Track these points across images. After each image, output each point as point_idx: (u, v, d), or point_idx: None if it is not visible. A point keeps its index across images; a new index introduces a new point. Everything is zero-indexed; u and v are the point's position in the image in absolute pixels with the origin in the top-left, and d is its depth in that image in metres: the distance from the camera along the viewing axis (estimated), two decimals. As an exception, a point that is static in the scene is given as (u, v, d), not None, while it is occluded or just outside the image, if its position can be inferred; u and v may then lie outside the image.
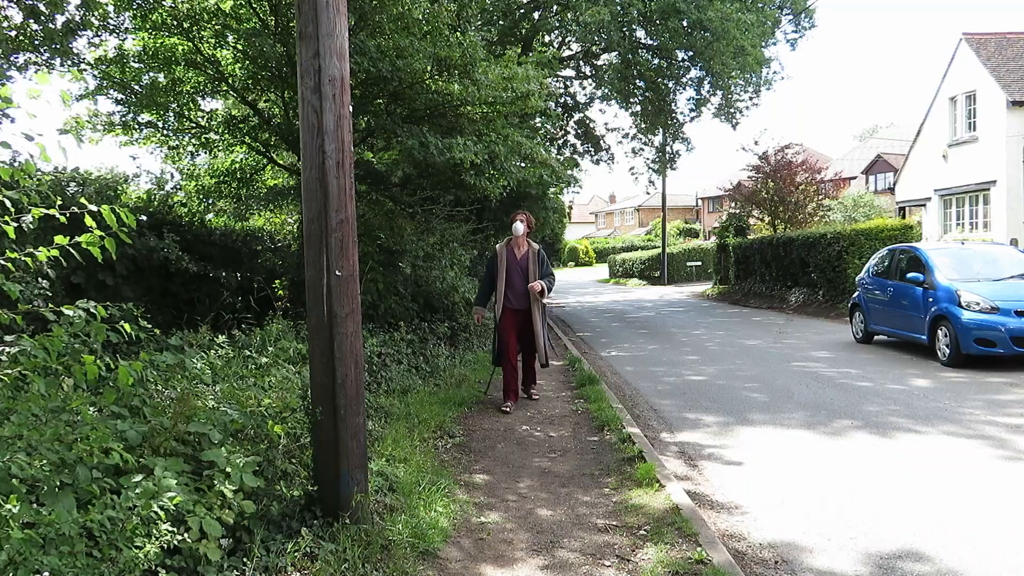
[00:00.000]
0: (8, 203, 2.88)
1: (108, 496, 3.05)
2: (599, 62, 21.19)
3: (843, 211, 30.64)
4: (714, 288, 27.20)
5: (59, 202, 3.11)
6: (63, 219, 2.98)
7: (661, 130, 21.82)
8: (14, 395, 3.21)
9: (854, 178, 40.16)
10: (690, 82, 19.76)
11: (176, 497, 3.12)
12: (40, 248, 3.02)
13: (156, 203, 8.35)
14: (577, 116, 22.47)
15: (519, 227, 7.57)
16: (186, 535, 3.11)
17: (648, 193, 47.23)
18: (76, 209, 2.99)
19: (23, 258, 3.02)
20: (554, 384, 9.11)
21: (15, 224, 2.94)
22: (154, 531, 2.98)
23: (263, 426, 4.20)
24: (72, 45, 7.68)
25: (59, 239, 3.01)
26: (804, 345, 12.32)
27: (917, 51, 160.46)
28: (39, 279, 5.07)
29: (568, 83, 21.89)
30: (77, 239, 3.02)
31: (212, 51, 9.15)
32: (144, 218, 6.73)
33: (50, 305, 3.26)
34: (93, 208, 2.92)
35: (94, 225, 2.99)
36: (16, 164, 3.70)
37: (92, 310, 3.13)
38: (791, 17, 19.77)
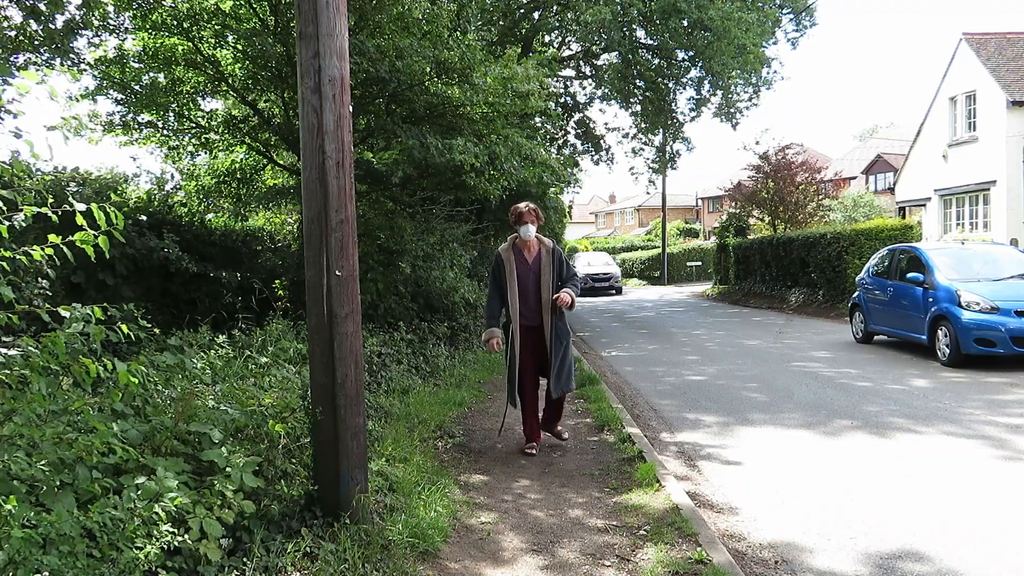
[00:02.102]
0: (1, 203, 2.88)
1: (109, 496, 3.05)
2: (599, 62, 21.21)
3: (843, 211, 30.67)
4: (714, 288, 27.20)
5: (51, 200, 3.10)
6: (55, 218, 2.97)
7: (661, 130, 21.83)
8: (15, 395, 3.21)
9: (854, 178, 40.19)
10: (690, 82, 19.80)
11: (177, 498, 3.12)
12: (35, 247, 3.02)
13: (156, 203, 8.35)
14: (577, 116, 22.48)
15: (530, 229, 5.92)
16: (186, 535, 3.11)
17: (648, 193, 47.29)
18: (67, 207, 2.99)
19: (18, 256, 3.02)
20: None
21: (8, 223, 2.94)
22: (154, 531, 2.98)
23: (263, 426, 4.20)
24: (72, 45, 7.67)
25: (53, 238, 3.01)
26: (804, 345, 12.32)
27: (917, 51, 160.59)
28: (39, 279, 5.08)
29: (568, 83, 21.91)
30: (71, 238, 3.02)
31: (212, 51, 9.15)
32: (144, 218, 6.74)
33: (47, 306, 3.25)
34: (82, 207, 2.92)
35: (85, 224, 2.98)
36: (11, 165, 3.70)
37: (89, 312, 3.13)
38: (792, 16, 19.79)
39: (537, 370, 6.11)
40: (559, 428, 6.34)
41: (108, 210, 2.94)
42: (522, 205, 6.05)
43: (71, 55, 7.69)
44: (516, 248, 6.06)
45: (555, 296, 5.85)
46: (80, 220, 2.95)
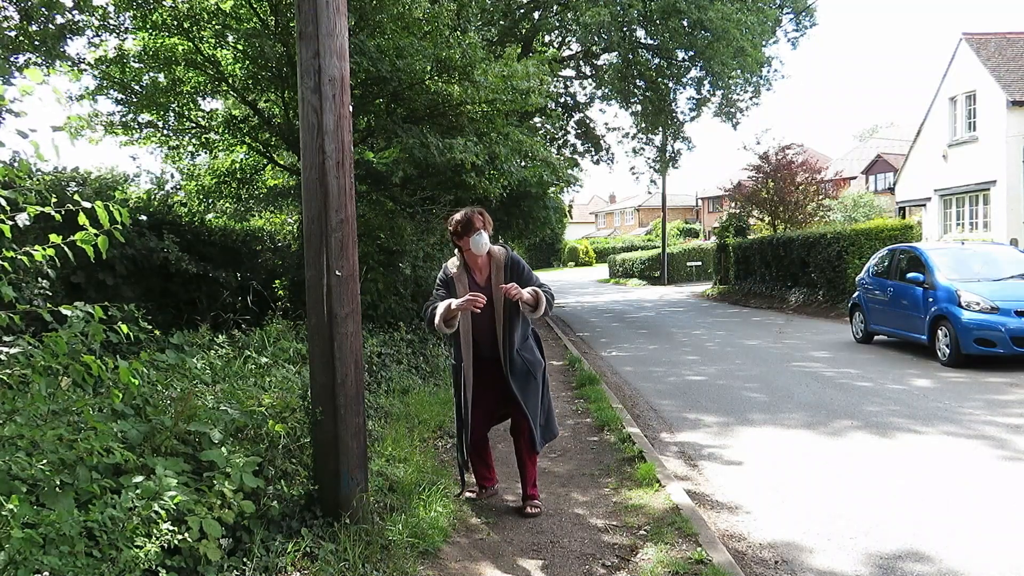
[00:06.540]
0: (4, 202, 2.88)
1: (108, 496, 3.05)
2: (599, 62, 21.23)
3: (843, 211, 30.65)
4: (714, 288, 27.19)
5: (54, 199, 3.10)
6: (58, 217, 2.97)
7: (661, 130, 21.84)
8: (16, 395, 3.21)
9: (854, 178, 40.19)
10: (690, 82, 19.82)
11: (176, 497, 3.12)
12: (36, 247, 3.02)
13: (156, 203, 8.35)
14: (577, 116, 22.51)
15: (482, 238, 4.39)
16: (186, 535, 3.11)
17: (649, 193, 47.25)
18: (71, 206, 2.98)
19: (20, 257, 3.01)
20: (554, 384, 9.10)
21: (11, 223, 2.94)
22: (154, 531, 2.98)
23: (263, 426, 4.20)
24: (68, 47, 7.69)
25: (55, 238, 3.01)
26: (804, 345, 12.32)
27: (917, 51, 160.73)
28: (39, 279, 5.08)
29: (568, 83, 21.94)
30: (72, 237, 3.01)
31: (212, 51, 9.16)
32: (144, 218, 6.74)
33: (48, 305, 3.25)
34: (87, 205, 2.91)
35: (87, 223, 2.97)
36: (14, 163, 3.70)
37: (90, 311, 3.13)
38: (792, 16, 19.81)
39: (493, 409, 4.71)
40: (530, 505, 4.65)
41: (112, 208, 2.94)
42: (460, 214, 4.47)
43: (68, 58, 7.69)
44: (470, 269, 4.56)
45: (505, 287, 4.27)
46: (83, 220, 2.95)
